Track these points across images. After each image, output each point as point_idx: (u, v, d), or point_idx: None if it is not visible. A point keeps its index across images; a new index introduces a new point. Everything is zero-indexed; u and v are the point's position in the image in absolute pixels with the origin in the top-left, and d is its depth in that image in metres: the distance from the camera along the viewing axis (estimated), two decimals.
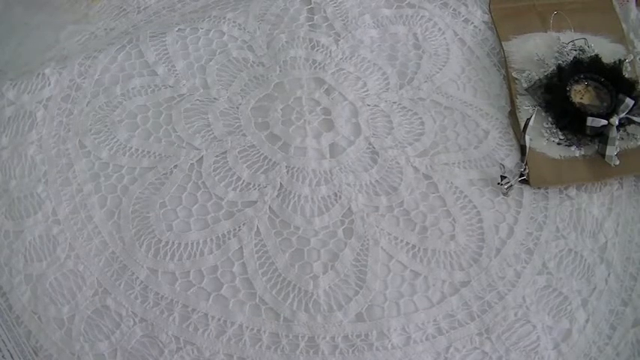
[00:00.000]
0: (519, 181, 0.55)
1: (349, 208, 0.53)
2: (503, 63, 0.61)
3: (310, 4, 0.64)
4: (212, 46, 0.61)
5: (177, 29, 0.62)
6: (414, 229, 0.53)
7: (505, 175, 0.54)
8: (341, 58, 0.61)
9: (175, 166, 0.55)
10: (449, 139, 0.57)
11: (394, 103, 0.59)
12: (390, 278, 0.51)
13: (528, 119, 0.56)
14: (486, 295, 0.51)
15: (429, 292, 0.50)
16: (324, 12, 0.64)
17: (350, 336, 0.48)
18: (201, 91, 0.59)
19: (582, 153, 0.56)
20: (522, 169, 0.55)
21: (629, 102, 0.55)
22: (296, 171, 0.55)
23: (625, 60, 0.59)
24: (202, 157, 0.55)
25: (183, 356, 0.47)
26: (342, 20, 0.63)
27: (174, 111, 0.58)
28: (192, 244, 0.52)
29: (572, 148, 0.56)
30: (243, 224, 0.52)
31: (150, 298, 0.50)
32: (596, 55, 0.59)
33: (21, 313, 0.49)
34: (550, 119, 0.58)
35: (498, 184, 0.54)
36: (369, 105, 0.59)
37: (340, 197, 0.54)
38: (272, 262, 0.51)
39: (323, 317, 0.49)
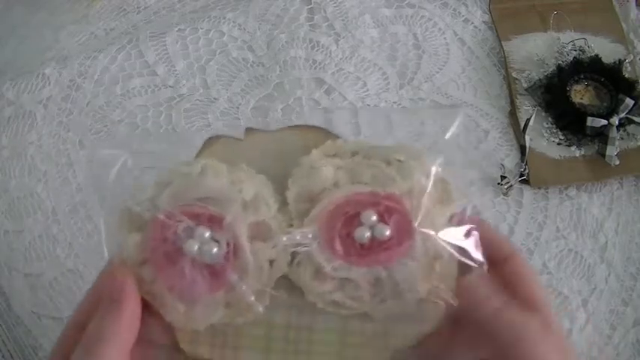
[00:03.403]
0: (519, 181, 0.55)
1: None
2: (504, 63, 0.61)
3: (310, 4, 0.64)
4: (212, 46, 0.61)
5: (177, 29, 0.62)
6: None
7: (505, 175, 0.54)
8: (341, 58, 0.61)
9: None
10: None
11: (394, 103, 0.59)
12: None
13: (528, 119, 0.56)
14: None
15: None
16: (324, 12, 0.64)
17: None
18: (201, 91, 0.59)
19: (582, 153, 0.56)
20: (522, 169, 0.55)
21: (629, 102, 0.55)
22: None
23: (625, 60, 0.59)
24: None
25: None
26: (342, 20, 0.63)
27: (174, 111, 0.58)
28: None
29: (572, 148, 0.56)
30: None
31: None
32: (596, 55, 0.59)
33: (21, 313, 0.49)
34: (550, 119, 0.58)
35: (498, 184, 0.54)
36: (369, 105, 0.59)
37: None
38: None
39: None
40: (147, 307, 0.30)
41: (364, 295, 0.30)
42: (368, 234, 0.29)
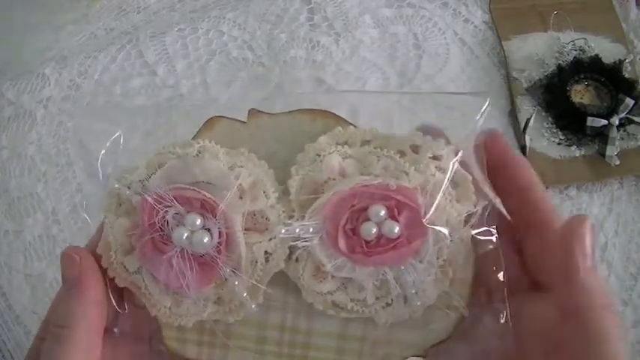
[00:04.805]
0: None
1: None
2: (504, 63, 0.61)
3: (310, 4, 0.64)
4: (212, 45, 0.61)
5: (177, 29, 0.62)
6: None
7: None
8: (341, 58, 0.61)
9: None
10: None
11: (394, 102, 0.59)
12: None
13: (528, 119, 0.56)
14: None
15: None
16: (324, 12, 0.64)
17: None
18: (201, 91, 0.59)
19: (582, 153, 0.56)
20: None
21: (629, 102, 0.55)
22: None
23: (625, 60, 0.59)
24: None
25: None
26: (342, 20, 0.63)
27: (174, 111, 0.58)
28: None
29: (573, 148, 0.56)
30: None
31: None
32: (596, 55, 0.59)
33: (21, 313, 0.49)
34: (550, 119, 0.58)
35: None
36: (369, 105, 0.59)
37: None
38: None
39: None
40: (129, 298, 0.28)
41: (368, 297, 0.27)
42: (375, 230, 0.27)
